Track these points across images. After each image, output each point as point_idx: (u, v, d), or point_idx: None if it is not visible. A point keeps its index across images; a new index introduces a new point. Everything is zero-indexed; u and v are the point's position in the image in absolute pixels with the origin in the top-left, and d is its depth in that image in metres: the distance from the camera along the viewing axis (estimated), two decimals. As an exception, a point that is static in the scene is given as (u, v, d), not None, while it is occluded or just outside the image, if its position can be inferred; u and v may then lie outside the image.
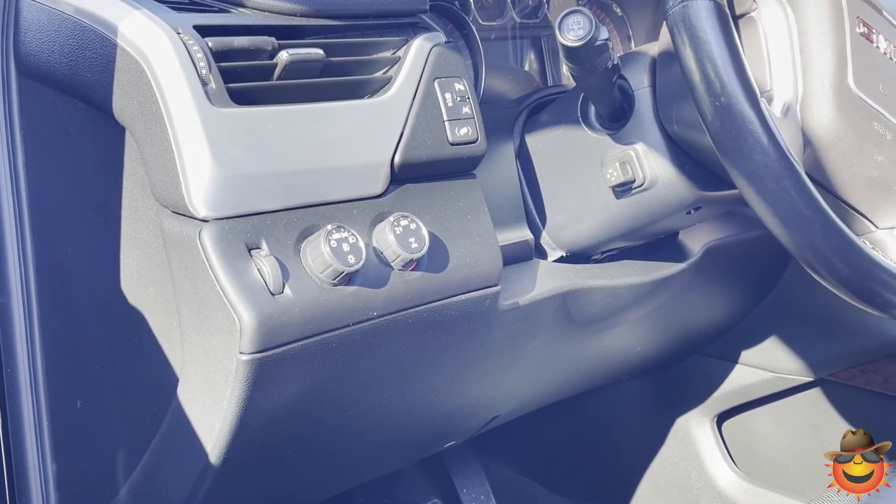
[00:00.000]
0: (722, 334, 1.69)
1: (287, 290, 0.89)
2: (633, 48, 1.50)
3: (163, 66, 0.88)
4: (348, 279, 0.93)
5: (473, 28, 1.31)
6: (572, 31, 0.98)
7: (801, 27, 1.01)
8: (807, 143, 0.99)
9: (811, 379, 1.64)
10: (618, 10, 1.51)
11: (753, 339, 1.67)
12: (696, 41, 0.88)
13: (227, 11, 0.97)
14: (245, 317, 0.86)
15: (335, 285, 0.92)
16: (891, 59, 1.08)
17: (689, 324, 1.58)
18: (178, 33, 0.89)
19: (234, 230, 0.89)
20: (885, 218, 1.05)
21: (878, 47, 1.07)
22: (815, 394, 1.66)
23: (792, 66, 1.00)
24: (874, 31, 1.07)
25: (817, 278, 0.94)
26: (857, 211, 1.04)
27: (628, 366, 1.61)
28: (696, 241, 1.38)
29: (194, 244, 0.88)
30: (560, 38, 0.98)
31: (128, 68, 0.90)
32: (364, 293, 0.94)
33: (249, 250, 0.89)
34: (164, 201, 0.91)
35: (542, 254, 1.24)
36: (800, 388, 1.66)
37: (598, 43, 0.98)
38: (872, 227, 1.06)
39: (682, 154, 1.12)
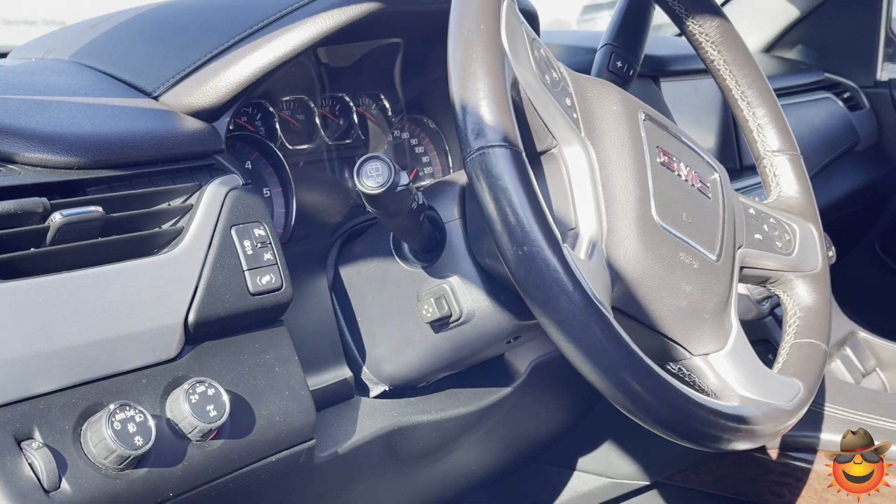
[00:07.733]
0: (556, 442, 1.66)
1: (64, 484, 0.80)
2: (450, 163, 1.47)
3: None
4: (137, 462, 0.84)
5: (281, 155, 1.26)
6: (371, 178, 0.94)
7: (601, 161, 1.00)
8: (616, 278, 0.97)
9: (647, 483, 1.63)
10: (432, 125, 1.48)
11: (588, 446, 1.66)
12: (496, 190, 0.85)
13: (-7, 169, 0.89)
14: (13, 523, 0.77)
15: (121, 470, 0.83)
16: (692, 185, 1.08)
17: (522, 437, 1.54)
18: (-73, 203, 0.80)
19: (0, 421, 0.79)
20: (698, 345, 1.04)
21: (679, 175, 1.06)
22: (653, 496, 1.65)
23: (595, 201, 0.98)
24: (674, 158, 1.07)
25: (636, 420, 0.91)
26: (671, 339, 1.03)
27: (464, 483, 1.56)
28: (522, 359, 1.35)
29: (-49, 442, 0.78)
30: (359, 186, 0.94)
31: None
32: (156, 474, 0.86)
33: (19, 442, 0.80)
34: (-84, 391, 0.81)
35: (363, 390, 1.19)
36: (637, 492, 1.65)
37: (398, 189, 0.95)
38: (688, 354, 1.04)
39: (497, 285, 1.08)
